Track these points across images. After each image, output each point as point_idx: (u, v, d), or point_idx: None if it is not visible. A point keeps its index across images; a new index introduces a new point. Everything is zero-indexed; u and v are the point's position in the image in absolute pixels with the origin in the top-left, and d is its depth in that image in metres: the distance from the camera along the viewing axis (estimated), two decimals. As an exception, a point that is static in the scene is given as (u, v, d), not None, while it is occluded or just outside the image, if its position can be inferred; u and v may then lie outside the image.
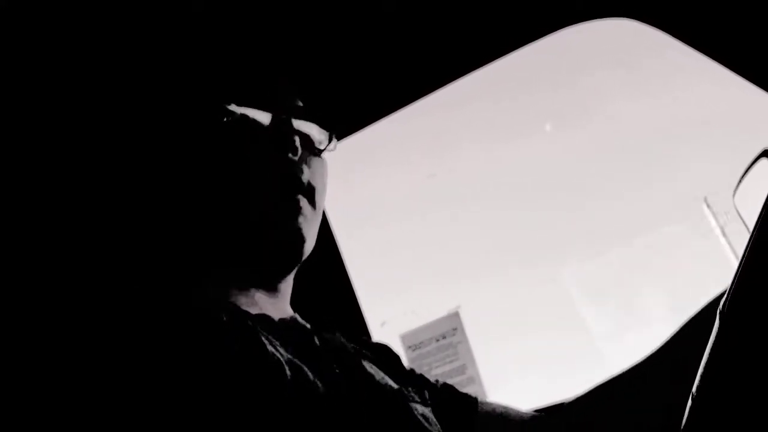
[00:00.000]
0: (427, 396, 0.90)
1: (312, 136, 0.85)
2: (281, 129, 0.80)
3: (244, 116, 0.80)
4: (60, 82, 1.09)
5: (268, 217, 0.79)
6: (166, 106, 0.84)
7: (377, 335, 1.40)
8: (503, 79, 1.39)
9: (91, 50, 1.09)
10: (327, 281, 1.39)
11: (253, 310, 0.76)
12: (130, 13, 1.07)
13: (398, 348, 1.45)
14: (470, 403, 0.94)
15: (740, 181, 0.81)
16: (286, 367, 0.67)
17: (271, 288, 0.84)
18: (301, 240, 0.80)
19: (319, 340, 0.80)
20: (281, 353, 0.69)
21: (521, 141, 1.58)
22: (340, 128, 0.96)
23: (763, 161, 0.77)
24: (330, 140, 0.86)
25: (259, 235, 0.79)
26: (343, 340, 0.87)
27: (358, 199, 1.60)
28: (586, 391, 0.96)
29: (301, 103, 0.86)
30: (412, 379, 0.92)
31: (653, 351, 0.91)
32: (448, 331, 1.43)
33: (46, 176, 1.08)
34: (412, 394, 0.86)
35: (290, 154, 0.80)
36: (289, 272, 0.85)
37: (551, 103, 1.53)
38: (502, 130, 1.58)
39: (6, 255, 0.99)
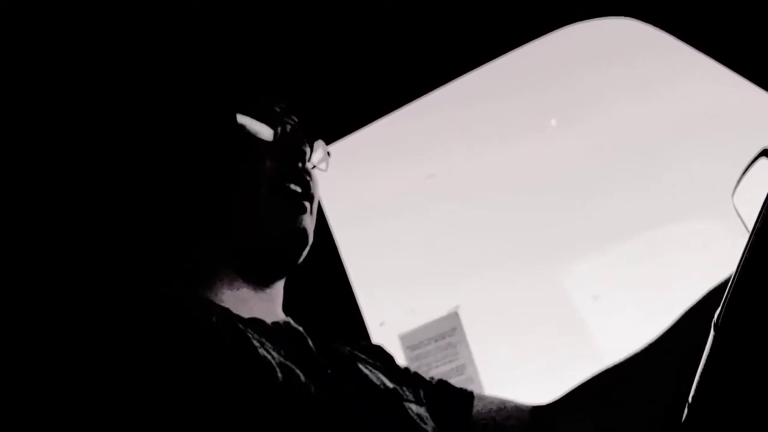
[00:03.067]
0: (422, 395, 0.90)
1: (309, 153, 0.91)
2: (293, 140, 0.87)
3: (253, 128, 0.86)
4: (60, 82, 1.09)
5: (278, 216, 0.83)
6: (178, 111, 0.89)
7: (376, 335, 1.40)
8: (505, 79, 1.39)
9: (90, 51, 1.09)
10: (326, 281, 1.39)
11: (245, 314, 0.76)
12: (135, 14, 1.07)
13: (397, 348, 1.45)
14: (466, 397, 0.95)
15: (739, 181, 0.81)
16: (278, 370, 0.67)
17: (265, 292, 0.86)
18: (306, 239, 0.85)
19: (312, 343, 0.81)
20: (273, 356, 0.69)
21: (521, 140, 1.57)
22: (339, 128, 0.97)
23: (763, 160, 0.77)
24: (326, 160, 0.93)
25: (268, 230, 0.83)
26: (336, 342, 0.88)
27: (358, 198, 1.60)
28: (583, 381, 0.95)
29: (298, 122, 0.91)
30: (407, 379, 0.92)
31: (651, 341, 0.91)
32: (448, 331, 1.43)
33: (45, 176, 1.08)
34: (407, 393, 0.86)
35: (299, 164, 0.86)
36: (290, 269, 0.87)
37: (552, 103, 1.53)
38: (502, 130, 1.58)
39: (3, 255, 0.99)
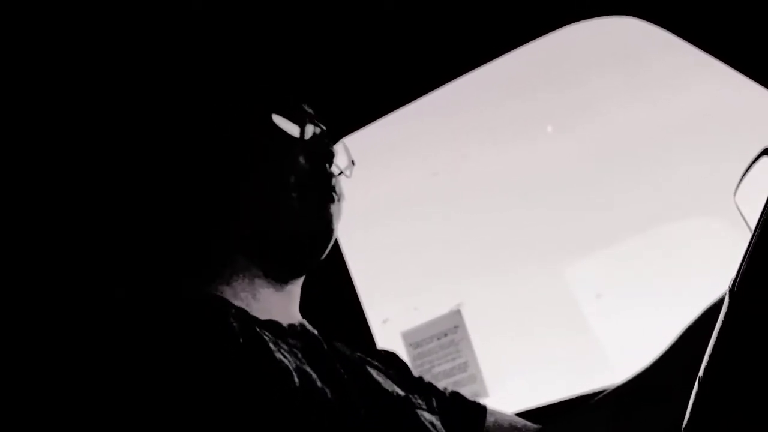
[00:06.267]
0: (434, 404, 0.90)
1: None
2: (323, 141, 0.89)
3: (286, 129, 0.87)
4: (60, 82, 1.09)
5: (308, 209, 0.85)
6: (186, 108, 0.90)
7: (379, 333, 1.40)
8: (507, 78, 1.39)
9: (92, 51, 1.09)
10: (329, 279, 1.39)
11: (263, 316, 0.77)
12: (136, 13, 1.07)
13: (399, 345, 1.45)
14: (479, 411, 0.95)
15: (741, 180, 0.80)
16: (294, 375, 0.68)
17: (283, 291, 0.86)
18: (332, 232, 0.87)
19: (327, 347, 0.81)
20: (289, 360, 0.70)
21: (524, 140, 1.57)
22: (340, 127, 0.97)
23: (764, 159, 0.77)
24: (351, 166, 0.95)
25: (298, 222, 0.85)
26: (349, 347, 0.88)
27: (360, 197, 1.60)
28: (591, 402, 0.95)
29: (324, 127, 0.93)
30: (420, 387, 0.92)
31: (655, 357, 0.90)
32: (450, 329, 1.43)
33: (52, 177, 1.09)
34: (419, 401, 0.86)
35: (327, 165, 0.88)
36: (312, 264, 0.89)
37: (554, 102, 1.53)
38: (504, 129, 1.57)
39: (5, 257, 1.00)
